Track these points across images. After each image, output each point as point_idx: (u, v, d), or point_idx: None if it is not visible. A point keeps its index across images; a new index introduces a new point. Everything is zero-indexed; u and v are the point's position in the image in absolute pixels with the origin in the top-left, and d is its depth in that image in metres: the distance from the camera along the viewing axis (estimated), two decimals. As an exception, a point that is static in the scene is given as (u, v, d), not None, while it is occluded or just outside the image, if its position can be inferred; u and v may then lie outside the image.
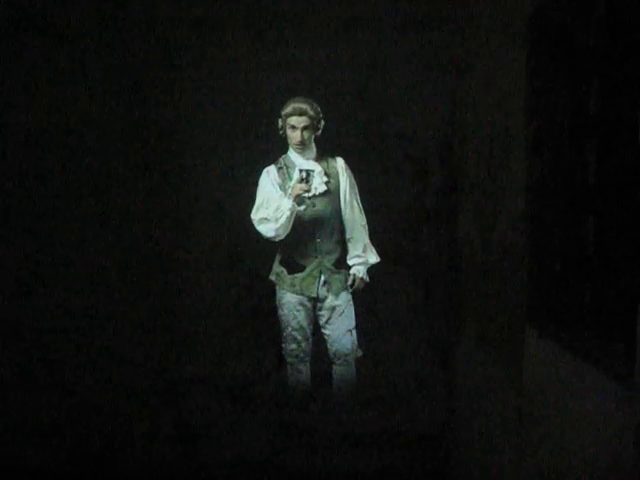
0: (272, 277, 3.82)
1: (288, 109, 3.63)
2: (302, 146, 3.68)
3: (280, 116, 3.68)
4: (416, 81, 3.74)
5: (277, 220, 3.63)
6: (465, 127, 3.46)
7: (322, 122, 3.70)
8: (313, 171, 3.65)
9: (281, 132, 3.72)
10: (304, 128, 3.64)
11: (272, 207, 3.65)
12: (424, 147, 3.80)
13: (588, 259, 2.33)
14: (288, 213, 3.62)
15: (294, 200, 3.62)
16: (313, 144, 3.75)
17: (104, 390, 3.82)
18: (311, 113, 3.63)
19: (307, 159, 3.73)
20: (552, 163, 2.35)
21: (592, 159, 2.30)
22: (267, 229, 3.66)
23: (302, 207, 3.66)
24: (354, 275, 3.78)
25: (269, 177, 3.73)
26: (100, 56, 3.74)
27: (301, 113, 3.62)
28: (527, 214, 2.44)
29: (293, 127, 3.65)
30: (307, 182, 3.61)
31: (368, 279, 3.80)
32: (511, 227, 2.62)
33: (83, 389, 3.83)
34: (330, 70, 3.75)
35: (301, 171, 3.62)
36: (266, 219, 3.66)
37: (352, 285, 3.79)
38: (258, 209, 3.70)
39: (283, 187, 3.73)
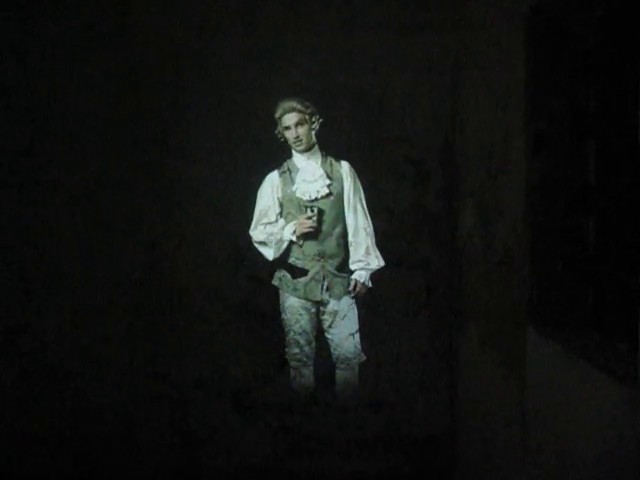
0: (275, 282, 3.82)
1: (278, 111, 3.67)
2: (300, 143, 3.68)
3: (276, 125, 3.70)
4: (416, 83, 3.73)
5: (279, 249, 3.73)
6: (465, 129, 3.46)
7: (316, 117, 3.70)
8: (324, 211, 3.70)
9: (280, 137, 3.73)
10: (296, 124, 3.66)
11: (272, 232, 3.73)
12: (424, 149, 3.79)
13: (589, 259, 2.33)
14: (287, 244, 3.73)
15: (298, 237, 3.70)
16: (317, 147, 3.75)
17: (106, 396, 3.82)
18: (299, 107, 3.65)
19: (311, 162, 3.74)
20: (552, 163, 2.35)
21: (592, 159, 2.30)
22: (266, 252, 3.76)
23: (301, 242, 3.72)
24: (355, 280, 3.77)
25: (271, 187, 3.74)
26: (99, 60, 3.74)
27: (290, 110, 3.65)
28: (528, 215, 2.44)
29: (287, 127, 3.68)
30: (316, 220, 3.67)
31: (370, 284, 3.79)
32: (512, 228, 2.62)
33: (85, 395, 3.82)
34: (330, 73, 3.74)
35: (312, 208, 3.67)
36: (264, 243, 3.75)
37: (353, 290, 3.78)
38: (256, 226, 3.76)
39: (285, 192, 3.74)
